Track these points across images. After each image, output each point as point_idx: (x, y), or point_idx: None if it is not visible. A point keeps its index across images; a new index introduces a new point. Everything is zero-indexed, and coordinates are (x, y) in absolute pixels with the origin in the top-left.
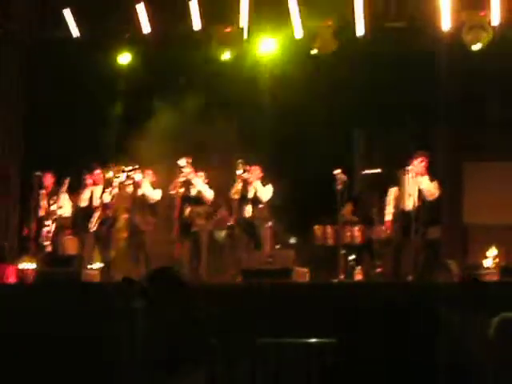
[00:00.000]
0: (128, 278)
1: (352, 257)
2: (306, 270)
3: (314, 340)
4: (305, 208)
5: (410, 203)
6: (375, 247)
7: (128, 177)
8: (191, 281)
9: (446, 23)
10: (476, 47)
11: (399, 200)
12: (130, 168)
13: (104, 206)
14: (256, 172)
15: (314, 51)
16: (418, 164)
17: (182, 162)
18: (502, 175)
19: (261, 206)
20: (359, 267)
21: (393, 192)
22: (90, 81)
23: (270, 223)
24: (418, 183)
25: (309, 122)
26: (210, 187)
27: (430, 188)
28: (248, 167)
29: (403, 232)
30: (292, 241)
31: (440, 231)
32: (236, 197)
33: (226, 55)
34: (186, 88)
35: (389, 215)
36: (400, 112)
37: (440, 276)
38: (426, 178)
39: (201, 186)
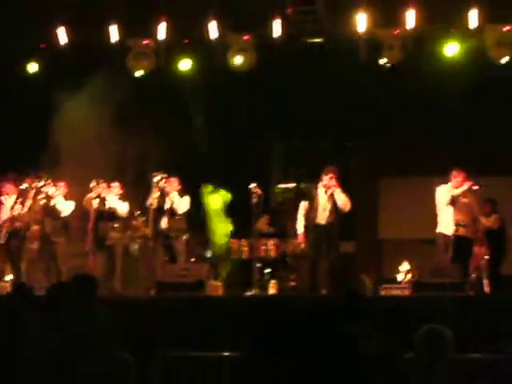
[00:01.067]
0: (20, 286)
1: (267, 270)
2: (219, 283)
3: (226, 354)
4: None
5: (323, 217)
6: (290, 261)
7: (40, 189)
8: (105, 294)
9: (362, 40)
10: (389, 64)
11: (310, 214)
12: (43, 180)
13: (12, 218)
14: (174, 184)
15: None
16: (328, 179)
17: (93, 183)
18: (416, 190)
19: (177, 217)
20: (273, 281)
21: (303, 206)
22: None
23: (185, 236)
24: (331, 197)
25: (227, 135)
26: (126, 199)
27: (343, 199)
28: (165, 178)
29: (317, 246)
30: (207, 254)
31: (354, 246)
32: (153, 207)
33: (139, 71)
34: (101, 100)
35: (300, 229)
36: (319, 126)
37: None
38: (339, 190)
39: (113, 202)
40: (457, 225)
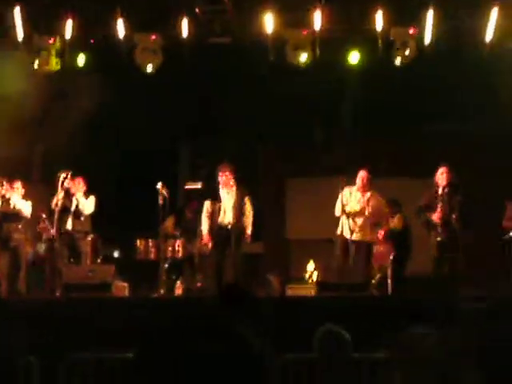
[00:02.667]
0: None
1: (173, 271)
2: (125, 284)
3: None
4: (127, 221)
5: (228, 218)
6: (196, 261)
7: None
8: (9, 296)
9: (269, 40)
10: (298, 64)
11: (214, 214)
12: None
13: None
14: (78, 184)
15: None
16: (225, 177)
17: None
18: (320, 191)
19: (82, 218)
20: (179, 282)
21: (207, 207)
22: None
23: (91, 236)
24: (237, 197)
25: (134, 136)
26: (28, 199)
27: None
28: (70, 179)
29: (221, 247)
30: (115, 254)
31: (262, 246)
32: (57, 208)
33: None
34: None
35: (205, 230)
36: (226, 126)
37: (260, 290)
38: (234, 189)
39: (17, 202)
40: (353, 229)
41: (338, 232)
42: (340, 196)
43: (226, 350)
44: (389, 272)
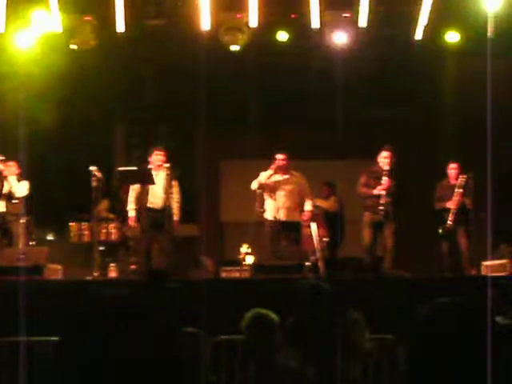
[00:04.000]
0: None
1: (107, 254)
2: (59, 266)
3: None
4: (61, 204)
5: (157, 201)
6: (130, 244)
7: None
8: None
9: (205, 23)
10: (234, 48)
11: (142, 197)
12: None
13: None
14: (12, 167)
15: (74, 46)
16: (157, 159)
17: None
18: (252, 173)
19: (15, 201)
20: (114, 264)
21: (134, 189)
22: None
23: (24, 219)
24: (166, 180)
25: (69, 118)
26: None
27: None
28: (3, 162)
29: (152, 229)
30: (48, 237)
31: (196, 229)
32: None
33: None
34: None
35: (131, 212)
36: (161, 110)
37: (194, 273)
38: (165, 172)
39: None
40: (279, 210)
41: (264, 214)
42: (260, 175)
43: (143, 332)
44: (320, 254)
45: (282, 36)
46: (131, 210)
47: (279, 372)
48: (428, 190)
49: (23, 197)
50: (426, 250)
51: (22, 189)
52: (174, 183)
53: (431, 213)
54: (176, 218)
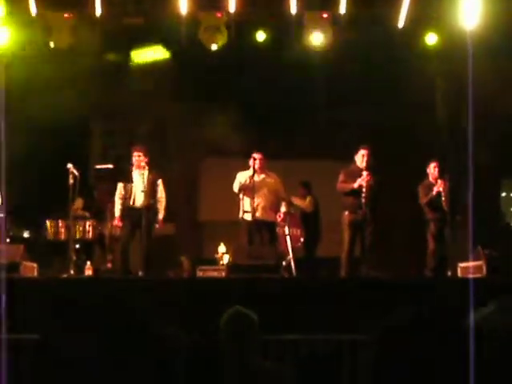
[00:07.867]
0: None
1: (83, 252)
2: (34, 264)
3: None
4: (37, 202)
5: (139, 200)
6: (107, 242)
7: None
8: None
9: (183, 22)
10: (213, 47)
11: (126, 195)
12: None
13: None
14: None
15: (51, 44)
16: (138, 158)
17: None
18: (232, 172)
19: None
20: (89, 262)
21: (120, 188)
22: None
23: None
24: (148, 180)
25: (45, 114)
26: None
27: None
28: None
29: (132, 228)
30: (24, 235)
31: (174, 227)
32: None
33: None
34: None
35: (117, 212)
36: (137, 109)
37: (171, 272)
38: (146, 171)
39: None
40: (255, 209)
41: (240, 214)
42: (238, 176)
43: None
44: (293, 255)
45: (260, 36)
46: (116, 209)
47: (254, 371)
48: (406, 189)
49: None
50: (405, 251)
51: None
52: (160, 182)
53: (409, 213)
54: (161, 216)
